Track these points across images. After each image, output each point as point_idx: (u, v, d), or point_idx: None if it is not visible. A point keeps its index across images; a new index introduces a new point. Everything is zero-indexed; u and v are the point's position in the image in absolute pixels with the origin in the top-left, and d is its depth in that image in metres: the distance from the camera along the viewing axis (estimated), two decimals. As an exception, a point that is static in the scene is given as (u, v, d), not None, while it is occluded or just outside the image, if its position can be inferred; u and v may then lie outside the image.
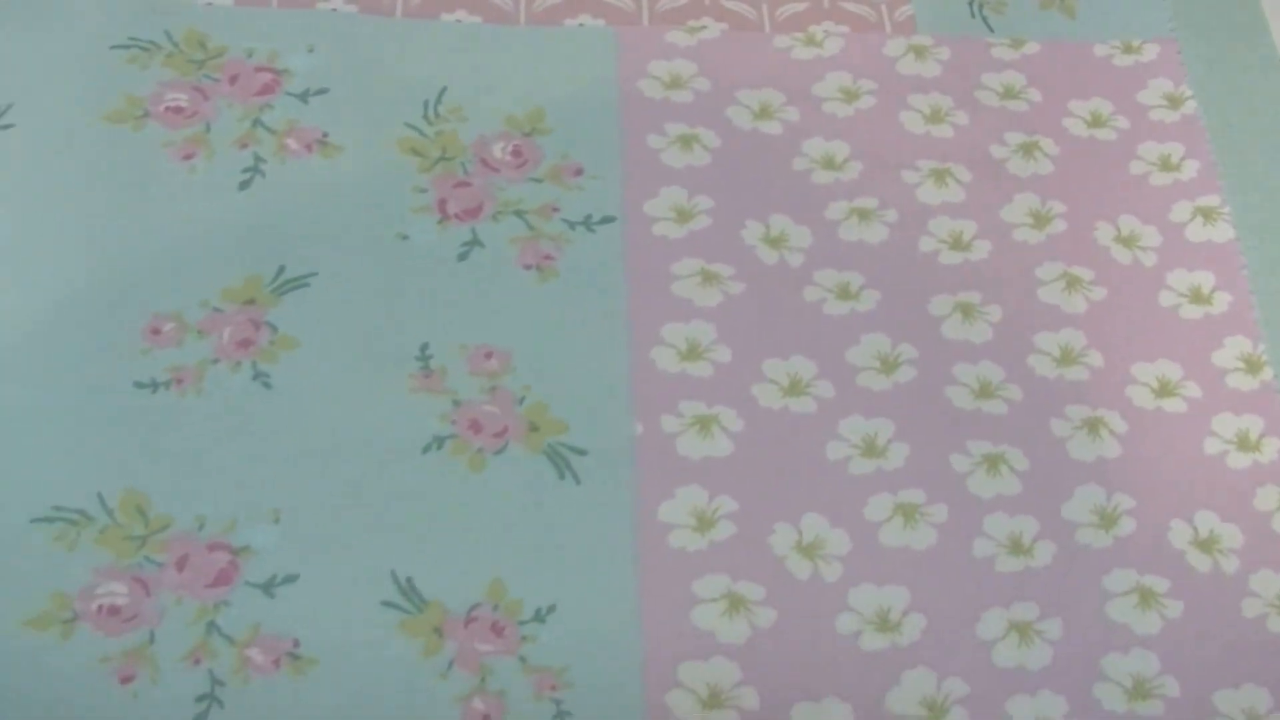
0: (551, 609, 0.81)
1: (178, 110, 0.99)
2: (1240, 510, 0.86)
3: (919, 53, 1.04)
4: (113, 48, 1.01)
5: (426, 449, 0.86)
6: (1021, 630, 0.81)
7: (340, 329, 0.90)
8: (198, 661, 0.79)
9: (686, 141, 0.99)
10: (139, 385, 0.87)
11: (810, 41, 1.05)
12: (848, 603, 0.82)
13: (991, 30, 1.07)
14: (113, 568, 0.81)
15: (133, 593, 0.81)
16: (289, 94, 1.00)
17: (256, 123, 0.98)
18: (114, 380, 0.87)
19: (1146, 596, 0.83)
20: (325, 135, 0.98)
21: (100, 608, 0.80)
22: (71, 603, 0.80)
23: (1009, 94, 1.03)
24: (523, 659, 0.80)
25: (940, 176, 0.98)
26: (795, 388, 0.89)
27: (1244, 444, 0.88)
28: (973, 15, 1.07)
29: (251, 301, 0.91)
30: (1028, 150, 1.00)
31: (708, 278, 0.93)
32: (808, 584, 0.83)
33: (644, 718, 0.79)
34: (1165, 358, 0.92)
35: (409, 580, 0.82)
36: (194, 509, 0.84)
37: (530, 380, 0.89)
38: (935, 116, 1.01)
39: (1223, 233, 0.97)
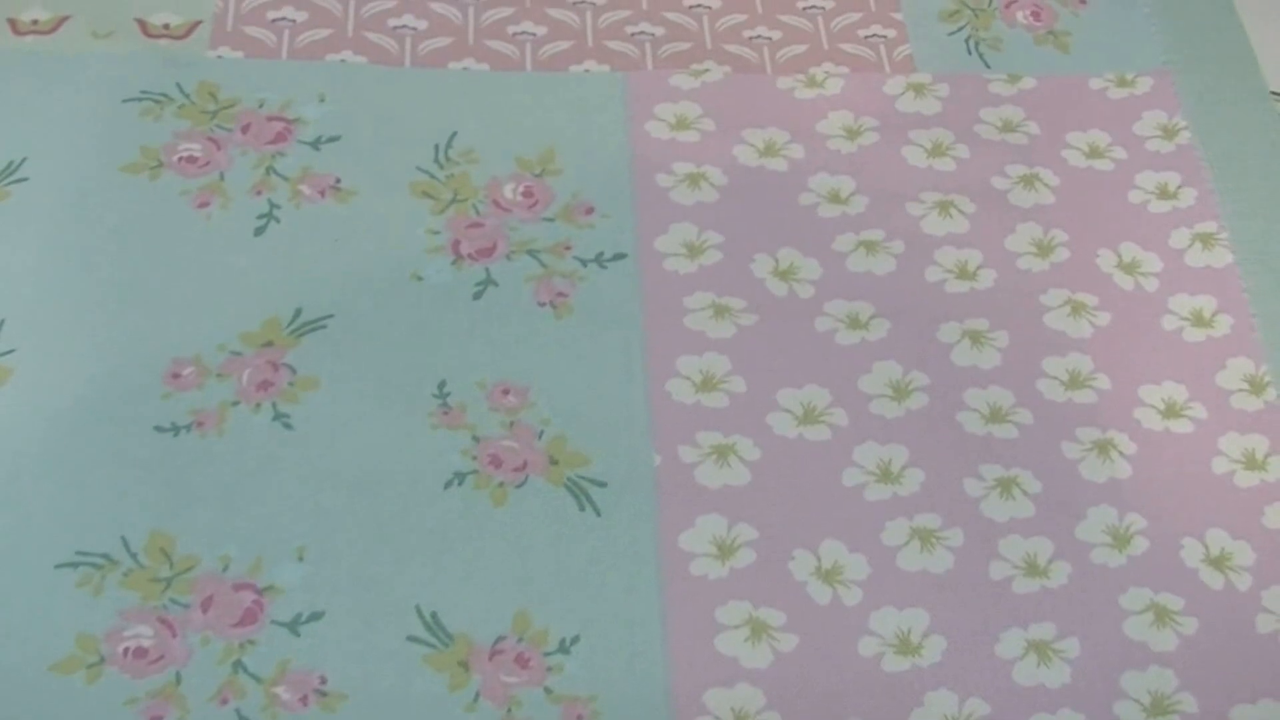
0: (576, 639, 0.82)
1: (192, 160, 1.00)
2: (1250, 528, 0.87)
3: (918, 90, 1.07)
4: (125, 101, 1.03)
5: (448, 485, 0.87)
6: (1040, 650, 0.82)
7: (358, 369, 0.91)
8: (225, 701, 0.80)
9: (694, 179, 1.01)
10: (160, 429, 0.88)
11: (811, 83, 1.07)
12: (869, 626, 0.83)
13: (988, 67, 1.09)
14: (139, 610, 0.82)
15: (159, 634, 0.81)
16: (301, 142, 1.02)
17: (270, 170, 1.00)
18: (136, 425, 0.88)
19: (1162, 614, 0.84)
20: (338, 181, 1.00)
21: (127, 650, 0.81)
22: (98, 646, 0.80)
23: (1008, 128, 1.05)
24: (548, 690, 0.81)
25: (944, 208, 1.00)
26: (810, 416, 0.91)
27: (1251, 463, 0.90)
28: (969, 53, 1.09)
29: (270, 344, 0.92)
30: (1028, 181, 1.02)
31: (720, 311, 0.95)
32: (828, 609, 0.84)
33: (671, 745, 0.80)
34: (1171, 380, 0.93)
35: (434, 615, 0.83)
36: (219, 549, 0.84)
37: (549, 414, 0.90)
38: (937, 151, 1.03)
39: (1221, 257, 0.99)
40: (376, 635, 0.82)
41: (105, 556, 0.84)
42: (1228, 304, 0.97)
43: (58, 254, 0.95)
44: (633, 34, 1.09)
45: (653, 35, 1.09)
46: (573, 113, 1.04)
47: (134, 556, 0.84)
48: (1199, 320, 0.96)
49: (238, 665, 0.81)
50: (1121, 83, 1.08)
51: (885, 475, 0.88)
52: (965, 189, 1.01)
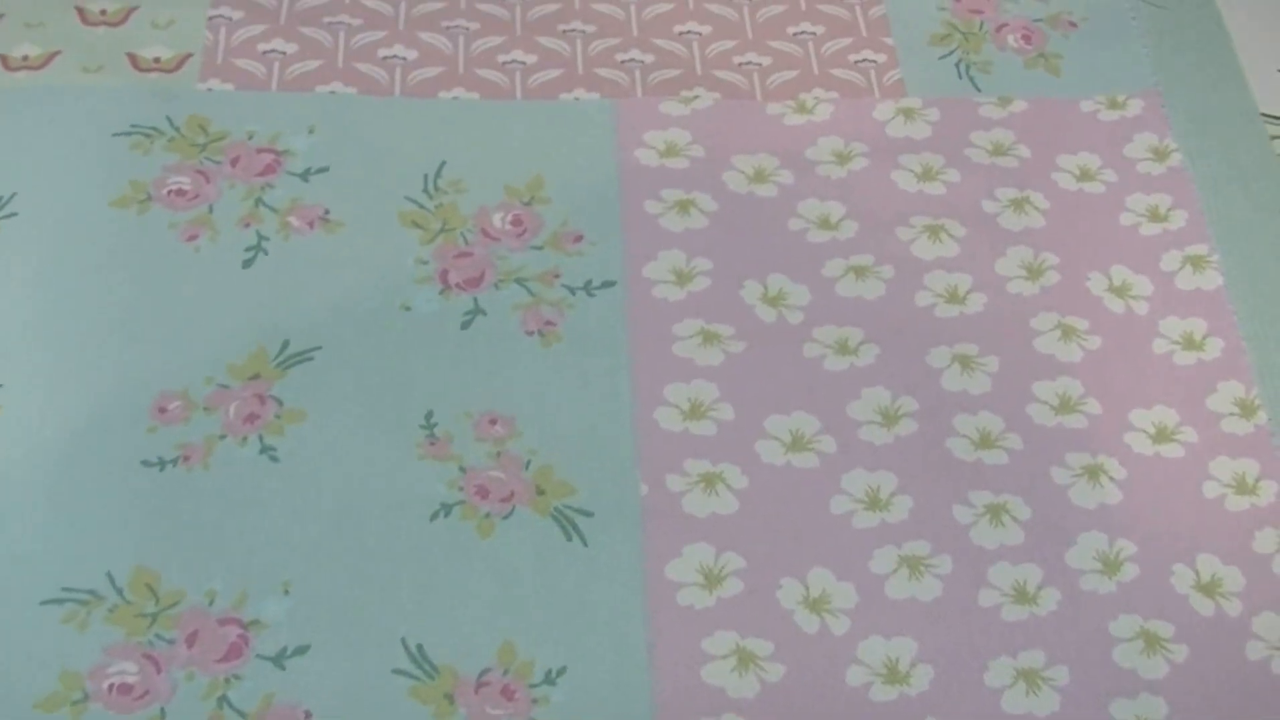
0: (562, 671, 0.82)
1: (181, 193, 1.00)
2: (1241, 553, 0.86)
3: (908, 115, 1.06)
4: (115, 135, 1.03)
5: (434, 516, 0.87)
6: (1029, 678, 0.82)
7: (345, 400, 0.91)
8: (210, 735, 0.79)
9: (684, 206, 1.01)
10: (146, 464, 0.88)
11: (801, 109, 1.06)
12: (856, 655, 0.82)
13: (979, 90, 1.09)
14: (123, 646, 0.82)
15: (143, 670, 0.81)
16: (290, 173, 1.02)
17: (259, 202, 1.00)
18: (122, 460, 0.88)
19: (1152, 641, 0.83)
20: (327, 212, 1.00)
21: (111, 686, 0.80)
22: (82, 683, 0.80)
23: (998, 151, 1.05)
24: (534, 721, 0.81)
25: (934, 232, 1.00)
26: (798, 443, 0.90)
27: (1241, 487, 0.89)
28: (960, 76, 1.09)
29: (257, 376, 0.92)
30: (1019, 205, 1.02)
31: (708, 338, 0.95)
32: (816, 638, 0.83)
33: (658, 775, 0.79)
34: (1161, 404, 0.93)
35: (419, 647, 0.82)
36: (204, 584, 0.84)
37: (536, 444, 0.90)
38: (927, 175, 1.03)
39: (1212, 280, 0.98)
40: (361, 668, 0.82)
41: (91, 592, 0.83)
42: (1218, 327, 0.96)
43: (45, 289, 0.95)
44: (623, 61, 1.09)
45: (643, 62, 1.10)
46: (562, 140, 1.04)
47: (119, 592, 0.84)
48: (1189, 343, 0.95)
49: (222, 700, 0.80)
50: (1112, 105, 1.08)
51: (874, 503, 0.88)
52: (955, 213, 1.01)
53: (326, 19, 1.11)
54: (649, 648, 0.82)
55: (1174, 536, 0.87)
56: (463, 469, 0.89)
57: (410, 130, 1.05)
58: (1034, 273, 0.98)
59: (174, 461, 0.88)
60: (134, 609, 0.83)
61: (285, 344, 0.94)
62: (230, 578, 0.84)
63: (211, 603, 0.84)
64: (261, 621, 0.83)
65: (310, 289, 0.96)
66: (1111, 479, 0.89)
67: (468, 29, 1.11)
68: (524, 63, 1.09)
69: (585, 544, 0.86)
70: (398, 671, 0.81)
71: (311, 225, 0.99)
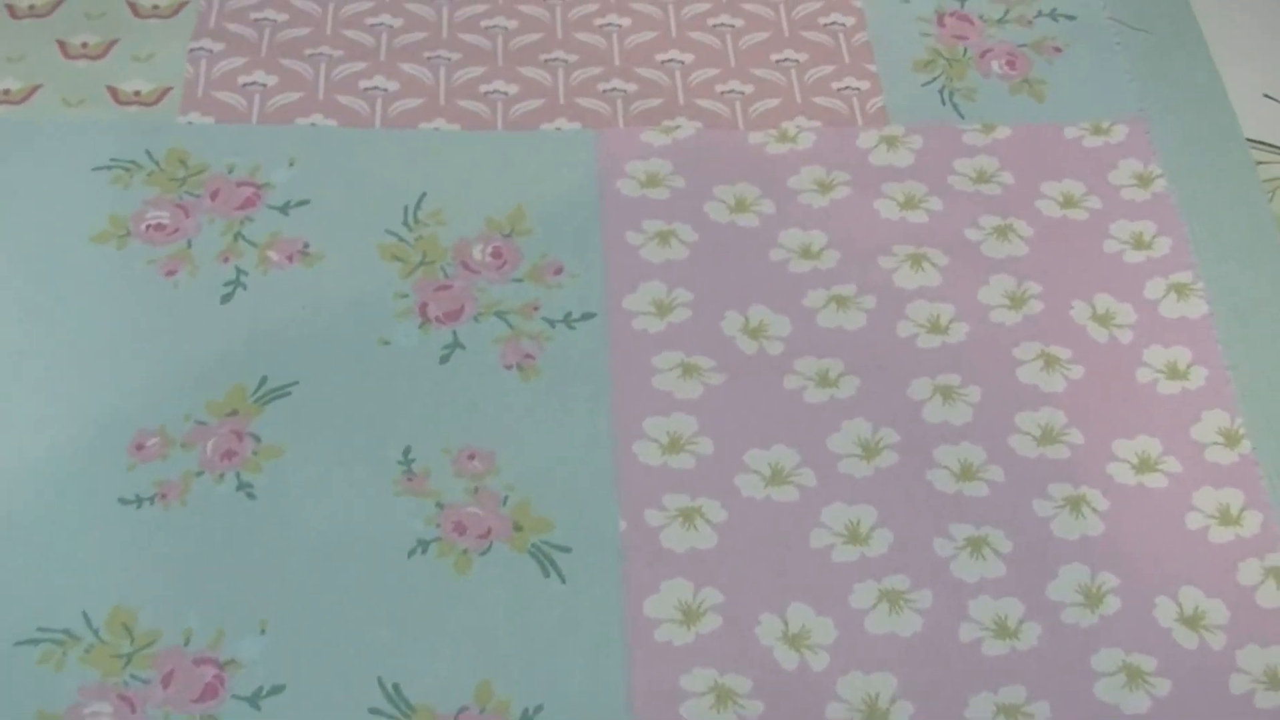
0: (539, 709, 0.81)
1: (160, 228, 1.00)
2: (1224, 585, 0.86)
3: (891, 143, 1.06)
4: (95, 169, 1.03)
5: (412, 553, 0.86)
6: (1010, 713, 0.81)
7: (323, 436, 0.91)
8: (185, 777, 0.79)
9: (665, 237, 1.00)
10: (124, 501, 0.88)
11: (784, 137, 1.06)
12: (836, 692, 0.82)
13: (962, 117, 1.08)
14: (99, 686, 0.81)
15: (119, 711, 0.81)
16: (270, 206, 1.01)
17: (238, 236, 1.00)
18: (99, 497, 0.88)
19: (1134, 675, 0.82)
20: (306, 245, 1.00)
21: (87, 727, 0.80)
22: (58, 723, 0.80)
23: (982, 178, 1.04)
24: (511, 760, 0.80)
25: (917, 261, 0.99)
26: (777, 477, 0.90)
27: (1225, 518, 0.88)
28: (943, 103, 1.09)
29: (235, 413, 0.92)
30: (1002, 233, 1.01)
31: (688, 370, 0.94)
32: (795, 674, 0.82)
33: (635, 815, 0.79)
34: (1145, 434, 0.92)
35: (395, 686, 0.82)
36: (181, 623, 0.84)
37: (514, 480, 0.89)
38: (909, 203, 1.02)
39: (1196, 308, 0.97)
40: (337, 708, 0.81)
41: (67, 632, 0.83)
42: (1202, 355, 0.95)
43: (24, 324, 0.95)
44: (604, 90, 1.09)
45: (625, 91, 1.09)
46: (543, 172, 1.04)
47: (95, 632, 0.83)
48: (1173, 372, 0.95)
49: (199, 740, 0.80)
50: (1097, 130, 1.07)
51: (854, 536, 0.87)
52: (938, 241, 1.00)
53: (308, 51, 1.11)
54: (627, 685, 0.82)
55: (1157, 568, 0.86)
56: (440, 505, 0.88)
57: (391, 162, 1.04)
58: (1017, 301, 0.97)
59: (151, 499, 0.88)
60: (110, 649, 0.83)
61: (264, 379, 0.93)
62: (207, 616, 0.84)
63: (188, 642, 0.83)
64: (238, 661, 0.82)
65: (289, 323, 0.96)
66: (1094, 510, 0.88)
67: (449, 59, 1.11)
68: (506, 93, 1.09)
69: (563, 580, 0.85)
70: (374, 711, 0.81)
71: (291, 259, 0.99)
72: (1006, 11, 1.15)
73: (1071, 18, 1.14)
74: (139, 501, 0.88)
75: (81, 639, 0.83)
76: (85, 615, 0.84)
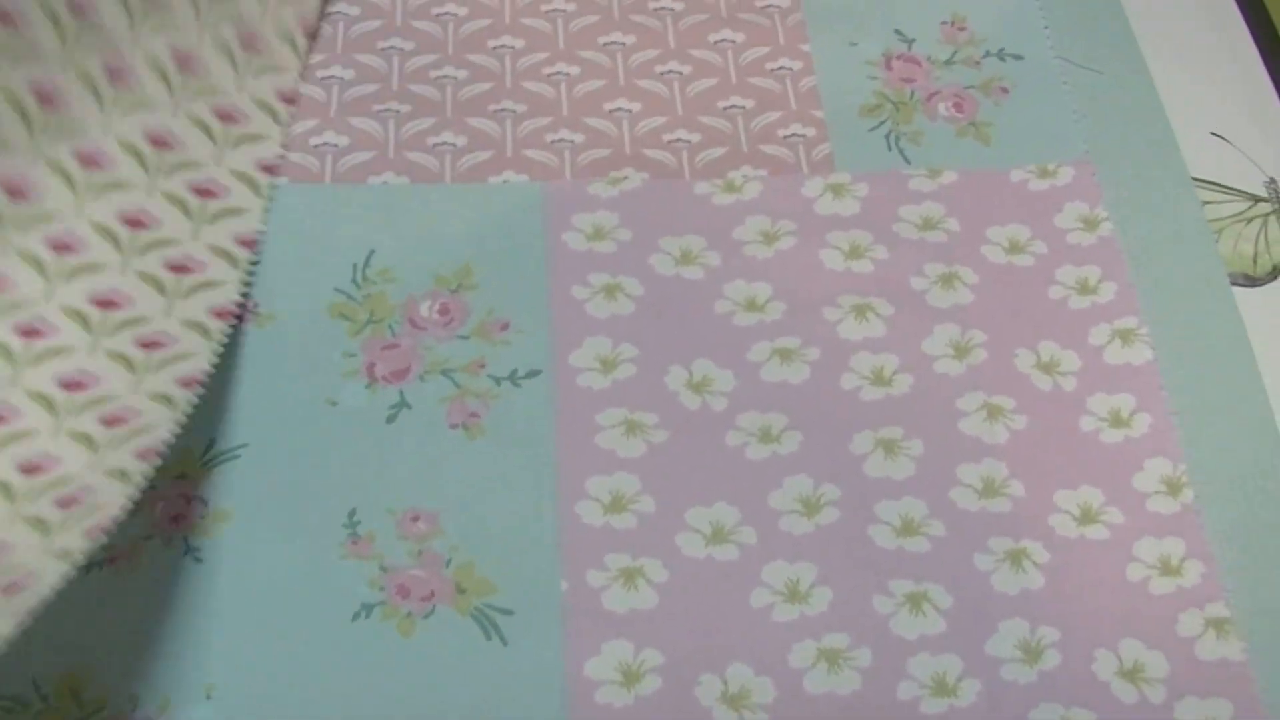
0: (481, 774, 0.82)
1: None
2: (1164, 638, 0.86)
3: (837, 191, 1.06)
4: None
5: (356, 616, 0.87)
6: (948, 772, 0.82)
7: (270, 499, 0.91)
8: (132, 847, 0.80)
9: (610, 291, 1.01)
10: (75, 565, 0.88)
11: (730, 188, 1.06)
12: (774, 753, 0.82)
13: (908, 162, 1.08)
14: (47, 755, 0.82)
15: (67, 779, 0.82)
16: (219, 266, 1.02)
17: (187, 296, 1.00)
18: (49, 562, 0.89)
19: (1073, 731, 0.83)
20: (256, 305, 1.00)
21: (37, 795, 0.81)
22: (6, 792, 0.81)
23: (927, 225, 1.04)
24: (455, 826, 0.80)
25: (861, 312, 1.00)
26: (718, 535, 0.90)
27: (1166, 569, 0.89)
28: (890, 148, 1.09)
29: (183, 476, 0.92)
30: (947, 281, 1.01)
31: (631, 427, 0.94)
32: (734, 736, 0.83)
33: None
34: (1087, 484, 0.92)
35: (340, 752, 0.83)
36: (127, 689, 0.84)
37: (458, 541, 0.90)
38: (855, 253, 1.03)
39: (1140, 354, 0.98)
40: (282, 775, 0.82)
41: (15, 699, 0.84)
42: (1146, 402, 0.96)
43: None
44: (552, 141, 1.10)
45: (572, 142, 1.10)
46: (490, 225, 1.04)
47: (44, 699, 0.84)
48: (1117, 420, 0.95)
49: (144, 810, 0.81)
50: (1043, 174, 1.07)
51: (793, 594, 0.88)
52: (883, 291, 1.01)
53: (258, 106, 1.11)
54: (568, 749, 0.82)
55: (1097, 622, 0.87)
56: (384, 568, 0.89)
57: (341, 218, 1.05)
58: (961, 351, 0.98)
59: (100, 565, 0.89)
60: (58, 715, 0.83)
61: (211, 442, 0.94)
62: (152, 683, 0.85)
63: (135, 709, 0.84)
64: (183, 729, 0.83)
65: (237, 385, 0.96)
66: (1035, 564, 0.89)
67: (398, 111, 1.11)
68: (454, 145, 1.09)
69: (505, 643, 0.86)
70: (318, 778, 0.82)
71: (241, 319, 0.99)
72: (954, 53, 1.15)
73: (1019, 57, 1.15)
74: (89, 566, 0.89)
75: (31, 705, 0.84)
76: (35, 682, 0.84)
